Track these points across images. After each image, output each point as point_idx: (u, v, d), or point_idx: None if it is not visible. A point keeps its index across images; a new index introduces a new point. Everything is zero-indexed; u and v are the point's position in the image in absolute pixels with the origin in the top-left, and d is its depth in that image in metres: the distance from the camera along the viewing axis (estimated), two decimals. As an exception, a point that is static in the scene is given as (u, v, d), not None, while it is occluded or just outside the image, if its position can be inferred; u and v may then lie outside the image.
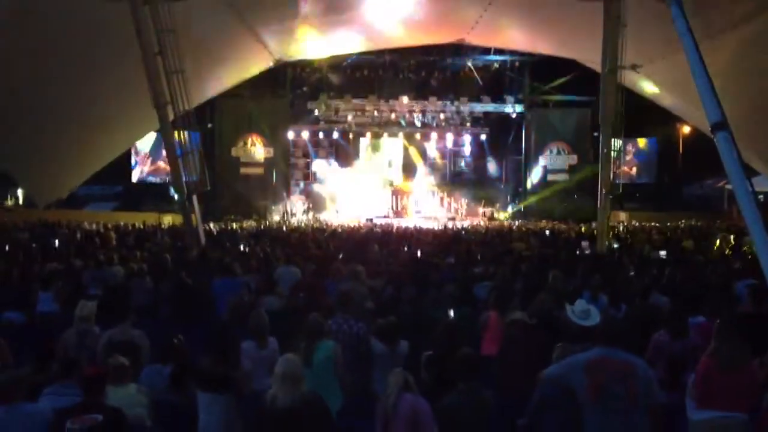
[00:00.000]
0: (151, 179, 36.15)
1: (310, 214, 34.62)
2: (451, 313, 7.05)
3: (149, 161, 35.98)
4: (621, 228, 24.05)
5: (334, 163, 37.13)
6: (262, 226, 25.65)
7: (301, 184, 37.29)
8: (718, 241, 17.02)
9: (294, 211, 34.36)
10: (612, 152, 16.13)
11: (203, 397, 5.16)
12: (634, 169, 37.75)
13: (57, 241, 15.63)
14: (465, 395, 4.67)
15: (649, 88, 24.22)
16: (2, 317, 7.82)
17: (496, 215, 35.80)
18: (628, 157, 35.74)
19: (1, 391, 4.46)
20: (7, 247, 13.89)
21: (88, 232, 19.04)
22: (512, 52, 33.13)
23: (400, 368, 4.87)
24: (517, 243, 15.59)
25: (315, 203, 36.06)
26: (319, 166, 37.17)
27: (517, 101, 35.67)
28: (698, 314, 6.61)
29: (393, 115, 36.10)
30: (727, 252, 14.94)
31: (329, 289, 8.41)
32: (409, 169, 37.77)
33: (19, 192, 33.11)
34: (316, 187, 36.67)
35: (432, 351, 5.52)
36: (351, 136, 37.16)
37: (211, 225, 23.22)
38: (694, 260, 12.11)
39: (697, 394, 4.68)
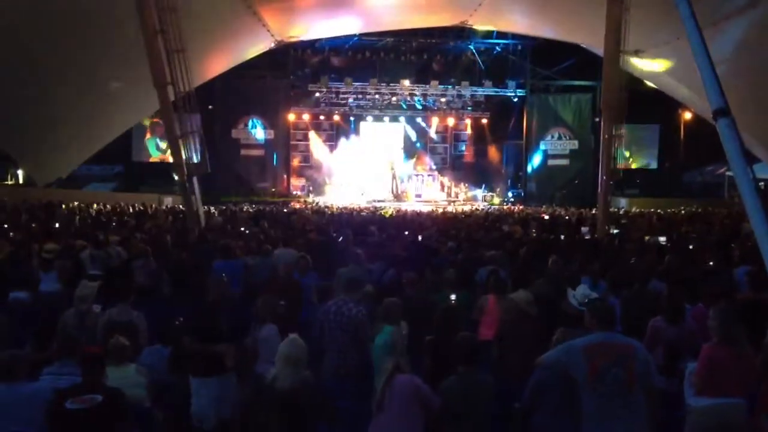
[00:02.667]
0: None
1: (310, 197, 34.65)
2: (453, 296, 7.06)
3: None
4: (621, 214, 24.04)
5: (334, 145, 37.07)
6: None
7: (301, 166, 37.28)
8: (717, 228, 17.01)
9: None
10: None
11: (193, 381, 5.17)
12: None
13: (57, 221, 15.61)
14: (463, 379, 4.70)
15: (651, 73, 24.12)
16: (9, 297, 7.82)
17: (496, 200, 35.82)
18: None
19: (3, 369, 4.48)
20: (8, 227, 13.86)
21: (88, 212, 19.02)
22: (514, 36, 32.97)
23: (395, 356, 4.91)
24: (514, 227, 15.59)
25: (314, 186, 36.11)
26: (319, 148, 37.09)
27: (519, 86, 35.53)
28: (696, 300, 6.62)
29: (394, 99, 36.02)
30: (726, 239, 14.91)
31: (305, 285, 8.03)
32: (409, 153, 37.74)
33: (19, 171, 33.05)
34: (316, 170, 36.65)
35: (433, 335, 5.55)
36: (352, 118, 37.09)
37: (212, 208, 23.18)
38: (693, 246, 12.10)
39: (700, 382, 4.69)
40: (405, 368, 4.77)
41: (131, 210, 20.64)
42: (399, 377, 4.64)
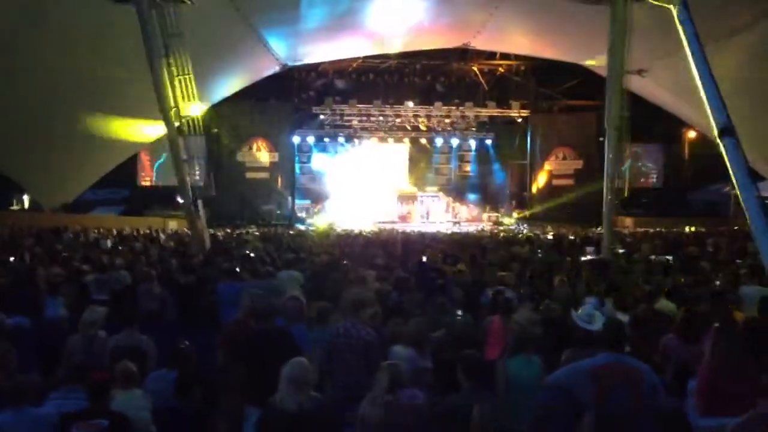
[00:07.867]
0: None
1: (315, 218, 34.62)
2: (459, 312, 7.06)
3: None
4: (626, 233, 23.96)
5: (338, 167, 37.07)
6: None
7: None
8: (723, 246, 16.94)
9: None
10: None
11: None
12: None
13: (62, 246, 15.62)
14: (469, 396, 4.67)
15: (654, 93, 24.18)
16: (10, 323, 7.78)
17: (501, 220, 35.75)
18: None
19: (10, 395, 4.48)
20: (13, 252, 13.88)
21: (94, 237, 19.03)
22: (518, 57, 33.08)
23: (386, 363, 4.90)
24: (518, 248, 15.53)
25: (319, 208, 36.09)
26: (323, 170, 37.11)
27: (523, 106, 35.60)
28: (710, 320, 6.56)
29: (398, 120, 36.11)
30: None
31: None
32: (414, 175, 37.77)
33: (25, 197, 33.16)
34: (320, 192, 36.65)
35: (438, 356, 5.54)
36: (356, 140, 37.16)
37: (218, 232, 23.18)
38: (698, 265, 12.05)
39: (702, 401, 4.65)
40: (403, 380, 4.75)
41: (137, 233, 20.65)
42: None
